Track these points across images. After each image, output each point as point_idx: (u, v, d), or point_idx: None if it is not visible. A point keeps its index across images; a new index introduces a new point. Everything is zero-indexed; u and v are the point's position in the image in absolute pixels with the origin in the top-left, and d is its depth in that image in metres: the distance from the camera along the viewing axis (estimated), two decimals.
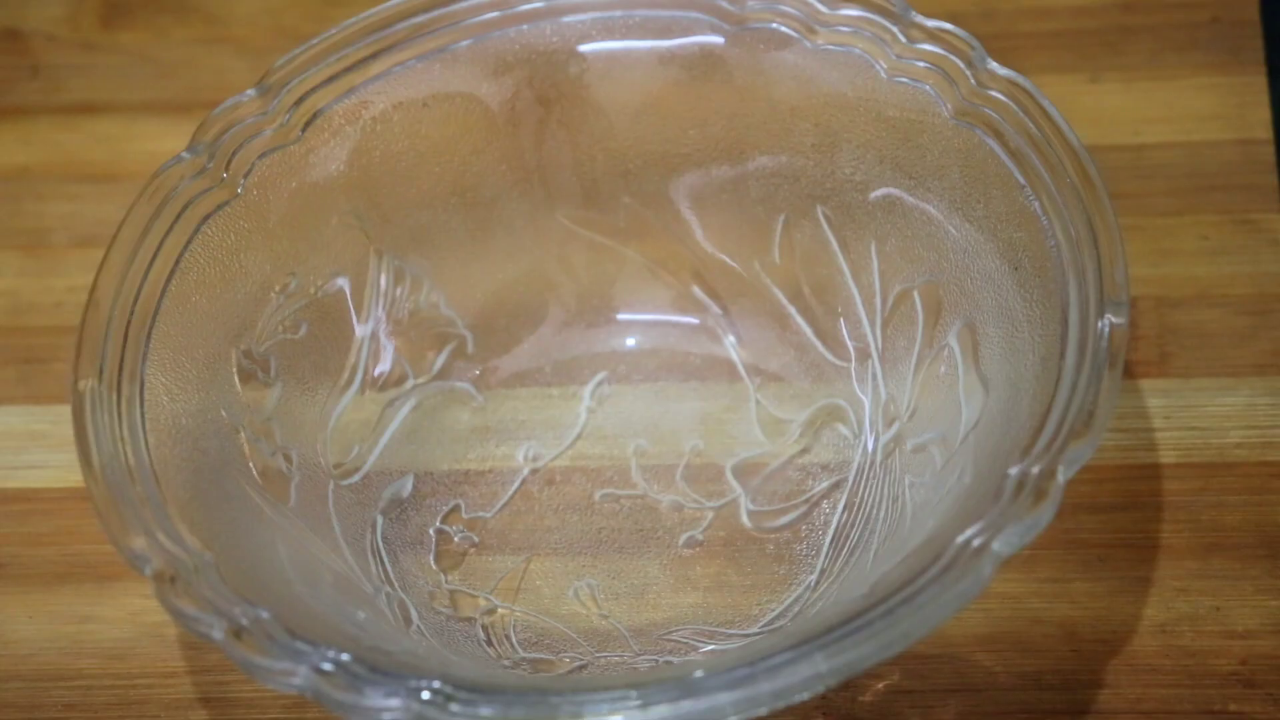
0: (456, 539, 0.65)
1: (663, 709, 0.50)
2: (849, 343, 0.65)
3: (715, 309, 0.68)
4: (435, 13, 0.65)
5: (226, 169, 0.62)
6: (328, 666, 0.51)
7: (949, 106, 0.60)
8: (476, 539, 0.65)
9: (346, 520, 0.62)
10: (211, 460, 0.59)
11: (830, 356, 0.66)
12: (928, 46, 0.61)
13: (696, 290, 0.68)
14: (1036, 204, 0.58)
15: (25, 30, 0.81)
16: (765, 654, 0.51)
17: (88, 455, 0.56)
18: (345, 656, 0.51)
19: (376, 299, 0.66)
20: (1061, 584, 0.62)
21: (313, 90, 0.63)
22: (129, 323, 0.59)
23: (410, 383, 0.67)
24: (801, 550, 0.63)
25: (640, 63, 0.65)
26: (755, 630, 0.61)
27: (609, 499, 0.65)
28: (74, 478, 0.58)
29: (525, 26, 0.65)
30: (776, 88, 0.64)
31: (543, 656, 0.62)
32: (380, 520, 0.64)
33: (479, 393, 0.67)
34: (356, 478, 0.64)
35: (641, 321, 0.68)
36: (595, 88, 0.66)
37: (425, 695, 0.50)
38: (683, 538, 0.64)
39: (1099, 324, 0.55)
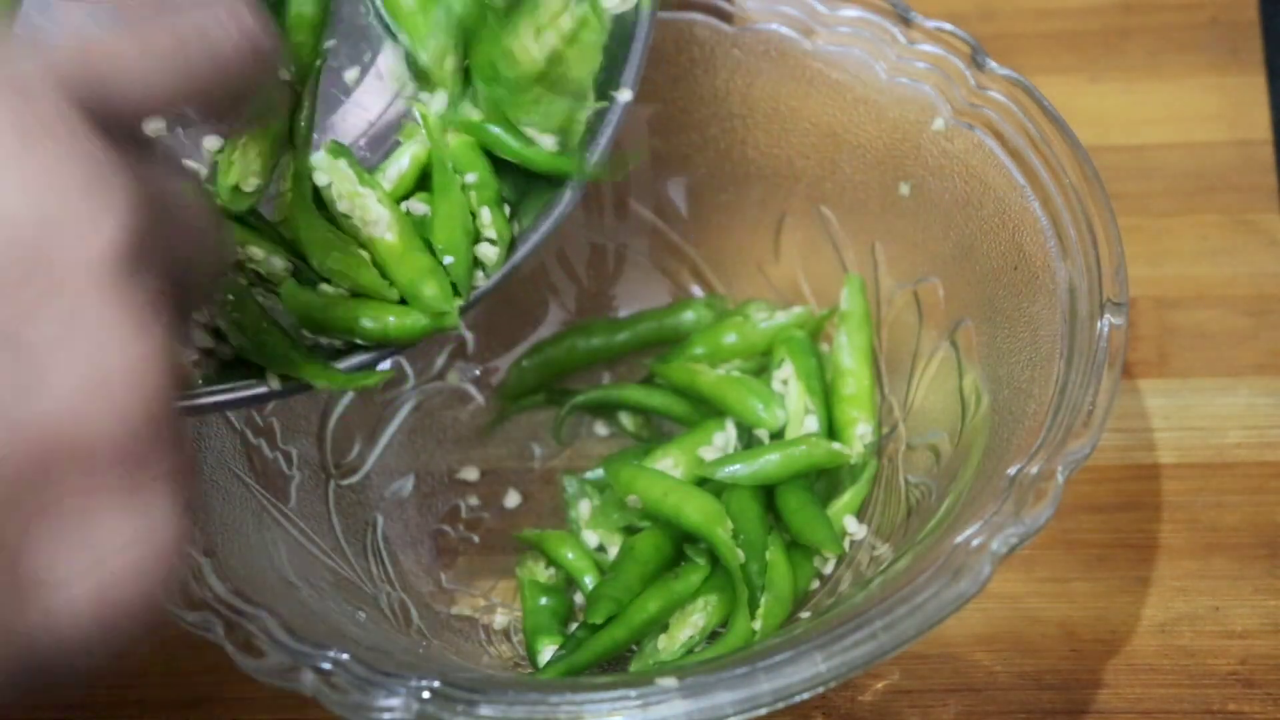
0: (456, 539, 0.65)
1: (663, 709, 0.50)
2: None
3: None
4: None
5: None
6: (328, 666, 0.51)
7: (949, 106, 0.60)
8: (476, 539, 0.65)
9: (346, 520, 0.62)
10: (211, 460, 0.59)
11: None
12: (928, 47, 0.61)
13: (696, 290, 0.68)
14: (1036, 204, 0.58)
15: None
16: (765, 654, 0.51)
17: None
18: (345, 656, 0.51)
19: None
20: (1061, 584, 0.62)
21: None
22: None
23: (410, 383, 0.67)
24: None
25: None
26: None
27: None
28: None
29: None
30: (776, 88, 0.64)
31: None
32: (380, 520, 0.64)
33: (479, 393, 0.67)
34: (356, 477, 0.64)
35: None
36: None
37: (425, 695, 0.50)
38: None
39: (1098, 324, 0.55)
